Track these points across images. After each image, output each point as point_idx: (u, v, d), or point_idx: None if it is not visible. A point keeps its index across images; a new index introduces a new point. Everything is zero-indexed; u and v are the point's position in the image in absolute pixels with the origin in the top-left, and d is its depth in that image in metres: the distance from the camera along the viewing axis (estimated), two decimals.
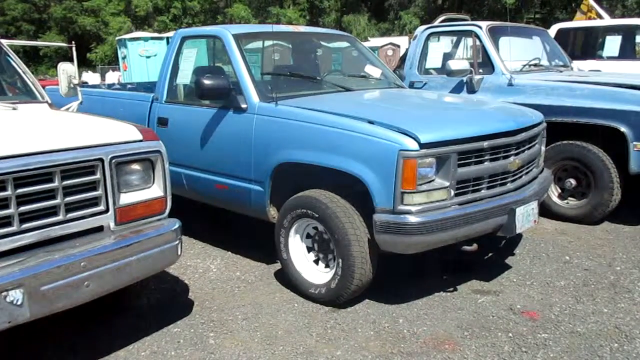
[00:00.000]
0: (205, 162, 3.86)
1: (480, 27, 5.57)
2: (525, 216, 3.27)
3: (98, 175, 2.51)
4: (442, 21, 6.84)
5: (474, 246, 3.18)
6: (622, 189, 4.54)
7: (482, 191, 3.14)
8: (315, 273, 3.33)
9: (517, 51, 5.59)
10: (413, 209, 2.85)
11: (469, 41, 5.92)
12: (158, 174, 2.77)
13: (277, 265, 3.86)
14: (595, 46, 8.56)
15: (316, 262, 3.38)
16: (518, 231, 3.23)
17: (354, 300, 3.26)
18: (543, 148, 3.88)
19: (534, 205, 3.38)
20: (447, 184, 2.93)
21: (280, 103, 3.44)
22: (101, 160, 2.51)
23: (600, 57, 8.22)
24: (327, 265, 3.32)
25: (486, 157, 3.10)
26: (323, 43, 5.18)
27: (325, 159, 3.10)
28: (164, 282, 3.64)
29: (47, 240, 2.40)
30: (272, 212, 3.56)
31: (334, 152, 3.06)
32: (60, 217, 2.41)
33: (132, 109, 4.39)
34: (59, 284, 2.29)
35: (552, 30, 8.11)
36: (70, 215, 2.45)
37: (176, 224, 2.81)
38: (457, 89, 5.44)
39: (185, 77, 4.15)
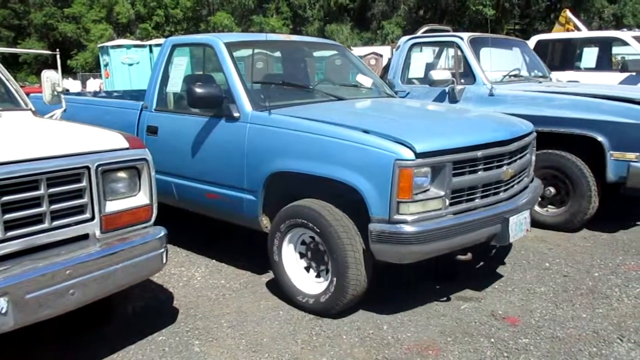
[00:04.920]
0: (196, 171, 3.82)
1: (461, 38, 5.68)
2: (518, 225, 3.30)
3: (84, 183, 2.51)
4: (425, 32, 6.97)
5: (468, 255, 3.21)
6: (600, 197, 4.65)
7: (476, 200, 3.16)
8: (310, 284, 3.31)
9: (497, 62, 5.72)
10: (409, 218, 2.85)
11: (451, 52, 6.04)
12: (144, 182, 2.77)
13: (262, 273, 3.87)
14: (573, 57, 8.76)
15: (308, 270, 3.36)
16: (511, 240, 3.24)
17: None
18: (533, 157, 3.93)
19: (526, 215, 3.41)
20: (442, 193, 2.93)
21: (273, 112, 3.43)
22: (87, 168, 2.50)
23: (578, 68, 8.42)
24: (320, 275, 3.29)
25: (480, 167, 3.12)
26: (314, 52, 5.18)
27: (320, 169, 3.09)
28: (148, 291, 3.62)
29: (32, 248, 2.38)
30: (265, 222, 3.53)
31: (329, 162, 3.05)
32: (45, 225, 2.40)
33: (121, 117, 4.34)
34: (44, 292, 2.28)
35: (532, 42, 8.29)
36: (56, 223, 2.44)
37: (162, 231, 2.81)
38: (439, 99, 5.53)
39: (175, 85, 4.12)
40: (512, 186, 3.44)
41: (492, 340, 2.95)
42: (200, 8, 37.42)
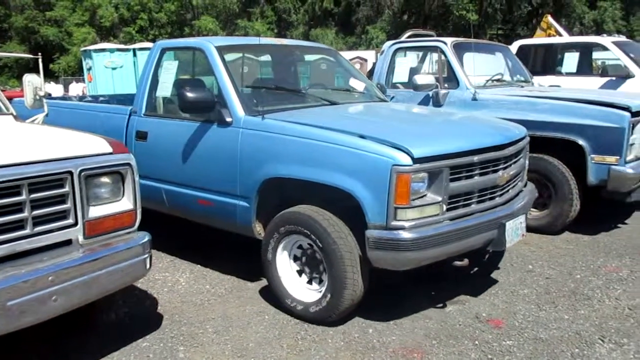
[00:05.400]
0: (187, 177, 3.75)
1: (445, 43, 5.74)
2: (514, 230, 3.28)
3: (67, 188, 2.48)
4: (409, 37, 7.01)
5: (465, 261, 3.18)
6: (581, 200, 4.72)
7: (472, 206, 3.13)
8: (306, 292, 3.25)
9: (480, 66, 5.79)
10: (406, 224, 2.81)
11: (435, 56, 6.10)
12: (128, 187, 2.75)
13: (247, 278, 3.86)
14: (554, 62, 8.88)
15: (303, 278, 3.30)
16: (508, 245, 3.22)
17: None
18: (527, 162, 3.90)
19: (522, 219, 3.41)
20: (440, 198, 2.90)
21: (266, 117, 3.37)
22: (70, 173, 2.48)
23: (560, 73, 8.53)
24: (316, 283, 3.24)
25: (476, 172, 3.10)
26: (306, 56, 5.11)
27: (315, 174, 3.04)
28: (132, 296, 3.59)
29: (14, 254, 2.35)
30: (258, 228, 3.47)
31: (324, 167, 3.00)
32: (27, 231, 2.37)
33: (108, 122, 4.26)
34: (26, 298, 2.25)
35: (514, 47, 8.38)
36: (38, 228, 2.41)
37: (146, 237, 2.80)
38: (423, 103, 5.57)
39: (165, 89, 4.03)
40: (507, 191, 3.42)
41: (476, 342, 2.97)
42: (185, 12, 37.31)
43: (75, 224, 2.55)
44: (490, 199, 3.25)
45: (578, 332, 3.07)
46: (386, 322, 3.20)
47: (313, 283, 3.26)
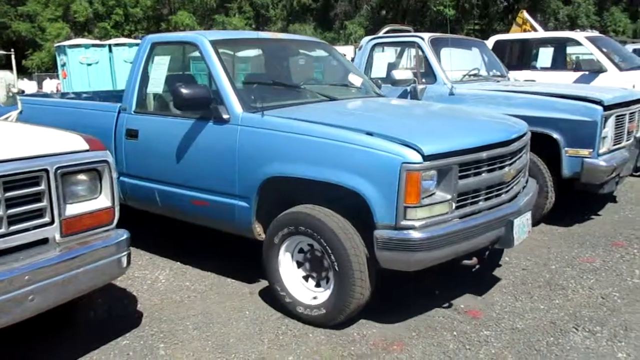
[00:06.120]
0: (181, 176, 3.62)
1: (422, 39, 5.79)
2: (521, 227, 3.21)
3: (42, 186, 2.45)
4: (387, 32, 7.07)
5: (474, 260, 3.13)
6: (556, 193, 4.81)
7: (480, 203, 3.06)
8: (309, 294, 3.17)
9: (457, 62, 5.85)
10: (416, 224, 2.73)
11: (412, 52, 6.15)
12: (105, 184, 2.73)
13: (227, 274, 3.86)
14: (529, 57, 9.00)
15: (307, 280, 3.22)
16: (515, 243, 3.15)
17: None
18: (528, 157, 3.80)
19: (528, 216, 3.34)
20: (449, 196, 2.82)
21: (266, 113, 3.26)
22: (46, 170, 2.45)
23: (534, 68, 8.66)
24: (320, 285, 3.15)
25: (484, 168, 3.03)
26: (301, 51, 4.96)
27: (320, 173, 2.94)
28: (111, 295, 3.56)
29: None
30: (258, 229, 3.36)
31: (329, 166, 2.90)
32: (2, 230, 2.33)
33: (95, 120, 4.12)
34: (2, 298, 2.21)
35: (490, 42, 8.49)
36: (13, 227, 2.37)
37: (124, 234, 2.77)
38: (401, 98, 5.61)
39: (157, 85, 3.91)
40: (512, 187, 3.35)
41: (455, 333, 3.02)
42: (161, 7, 36.84)
43: (52, 222, 2.51)
44: (497, 196, 3.18)
45: (553, 321, 3.14)
46: (366, 315, 3.23)
47: (317, 285, 3.18)
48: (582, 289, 3.58)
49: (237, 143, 3.29)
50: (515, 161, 3.32)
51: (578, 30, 9.97)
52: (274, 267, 3.21)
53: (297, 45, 4.91)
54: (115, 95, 5.90)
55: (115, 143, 3.96)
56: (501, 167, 3.17)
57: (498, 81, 5.99)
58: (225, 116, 3.36)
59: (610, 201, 5.70)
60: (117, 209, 2.80)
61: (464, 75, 5.80)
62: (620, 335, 2.97)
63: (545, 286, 3.64)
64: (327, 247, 2.93)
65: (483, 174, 3.03)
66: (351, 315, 3.03)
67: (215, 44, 3.68)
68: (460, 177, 2.87)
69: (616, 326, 3.07)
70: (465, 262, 3.11)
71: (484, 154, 2.98)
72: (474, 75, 5.94)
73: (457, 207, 2.90)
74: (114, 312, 3.38)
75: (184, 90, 3.24)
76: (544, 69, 8.60)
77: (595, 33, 9.30)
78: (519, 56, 8.94)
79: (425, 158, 2.69)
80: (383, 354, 2.81)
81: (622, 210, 5.41)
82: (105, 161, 2.71)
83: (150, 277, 3.90)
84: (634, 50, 12.05)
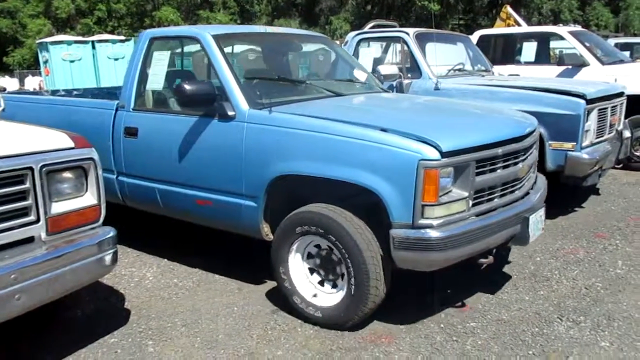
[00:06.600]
0: (184, 175, 3.50)
1: (407, 34, 5.82)
2: (536, 224, 3.15)
3: (28, 185, 2.43)
4: (372, 27, 7.07)
5: (490, 258, 3.07)
6: None
7: (496, 200, 3.00)
8: (322, 295, 3.08)
9: (442, 56, 5.89)
10: (434, 222, 2.66)
11: (398, 47, 6.16)
12: (91, 182, 2.71)
13: (215, 270, 3.86)
14: (513, 52, 9.07)
15: (321, 283, 3.11)
16: (531, 240, 3.10)
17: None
18: (537, 153, 3.69)
19: (542, 213, 3.26)
20: (466, 194, 2.75)
21: (274, 110, 3.17)
22: (31, 169, 2.43)
23: (518, 62, 8.72)
24: (331, 286, 3.07)
25: (499, 164, 2.97)
26: (302, 45, 4.84)
27: (332, 171, 2.85)
28: (98, 293, 3.55)
29: None
30: (266, 229, 3.26)
31: (342, 163, 2.81)
32: None
33: (91, 119, 3.99)
34: None
35: (475, 37, 8.53)
36: None
37: (111, 232, 2.76)
38: None
39: (157, 82, 3.78)
40: (524, 184, 3.29)
41: (442, 325, 3.05)
42: (145, 3, 36.47)
43: (38, 220, 2.50)
44: (511, 192, 3.13)
45: (538, 312, 3.19)
46: None
47: (329, 286, 3.09)
48: (566, 280, 3.64)
49: (243, 141, 3.19)
50: (527, 157, 3.27)
51: (561, 24, 10.08)
52: (284, 268, 3.12)
53: (300, 39, 4.78)
54: (108, 92, 5.84)
55: (112, 142, 3.84)
56: (515, 163, 3.11)
57: (483, 76, 6.04)
58: (230, 113, 3.26)
59: (593, 193, 5.78)
60: (103, 206, 2.79)
61: (449, 70, 5.85)
62: (603, 325, 3.02)
63: (530, 278, 3.69)
64: (341, 248, 2.85)
65: (498, 170, 2.98)
66: (366, 316, 2.96)
67: (218, 38, 3.58)
68: (477, 174, 2.81)
69: (599, 316, 3.13)
70: (482, 260, 3.05)
71: (499, 150, 2.93)
72: (459, 69, 5.99)
73: (474, 205, 2.84)
74: (102, 310, 3.36)
75: (187, 87, 3.15)
76: (527, 63, 8.66)
77: (578, 27, 9.40)
78: (503, 51, 8.99)
79: (443, 155, 2.63)
80: (371, 347, 2.84)
81: (604, 203, 5.50)
82: (91, 158, 2.70)
83: (138, 274, 3.89)
84: (616, 45, 12.22)
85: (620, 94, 5.42)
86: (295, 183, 3.08)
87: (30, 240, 2.49)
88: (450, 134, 2.87)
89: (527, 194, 3.31)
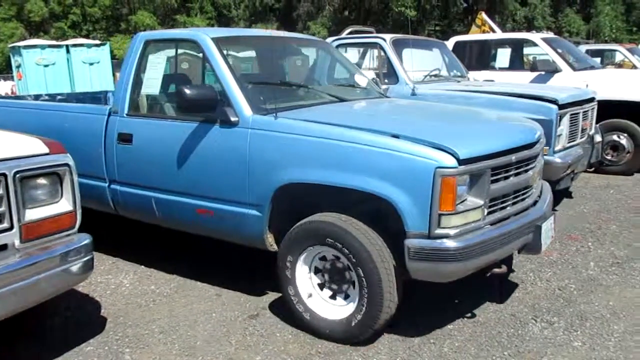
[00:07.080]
0: (183, 184, 3.35)
1: (384, 40, 5.88)
2: (547, 232, 3.08)
3: (1, 191, 2.40)
4: (349, 33, 7.14)
5: (504, 268, 3.05)
6: None
7: (508, 209, 2.94)
8: (331, 309, 2.95)
9: (419, 62, 5.96)
10: (451, 232, 2.57)
11: (375, 52, 6.23)
12: (66, 188, 2.68)
13: (193, 277, 3.83)
14: (488, 58, 9.22)
15: (333, 296, 2.99)
16: (543, 249, 3.03)
17: (272, 307, 3.33)
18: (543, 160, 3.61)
19: (552, 220, 3.20)
20: (481, 202, 2.68)
21: (279, 116, 3.06)
22: (4, 175, 2.39)
23: (493, 68, 8.87)
24: (341, 298, 2.95)
25: (512, 172, 2.91)
26: (302, 49, 4.78)
27: (343, 179, 2.74)
28: (73, 301, 3.49)
29: None
30: (270, 240, 3.15)
31: (354, 171, 2.71)
32: None
33: (80, 124, 3.86)
34: None
35: (450, 43, 8.65)
36: None
37: (87, 239, 2.73)
38: None
39: (152, 86, 3.69)
40: (533, 191, 3.24)
41: (420, 328, 3.08)
42: (120, 7, 36.09)
43: (11, 227, 2.46)
44: (522, 200, 3.08)
45: (513, 313, 3.25)
46: None
47: (338, 299, 2.97)
48: (540, 282, 3.71)
49: (247, 148, 3.07)
50: (536, 164, 3.23)
51: (534, 31, 10.26)
52: (291, 280, 3.00)
53: (300, 43, 4.73)
54: (92, 97, 5.72)
55: (105, 148, 3.70)
56: (526, 170, 3.07)
57: (458, 81, 6.14)
58: (233, 119, 3.14)
59: (566, 197, 5.90)
60: (78, 212, 2.75)
61: (426, 76, 5.93)
62: (576, 325, 3.09)
63: (505, 280, 3.75)
64: (353, 259, 2.75)
65: (511, 178, 2.93)
66: (379, 330, 2.86)
67: (218, 41, 3.46)
68: (492, 182, 2.75)
69: (572, 316, 3.20)
70: (495, 270, 3.01)
71: (513, 157, 2.87)
72: (435, 75, 6.08)
73: (489, 214, 2.77)
74: (77, 318, 3.31)
75: (188, 92, 3.03)
76: (502, 69, 8.81)
77: (551, 34, 9.59)
78: (478, 57, 9.13)
79: (460, 162, 2.55)
80: (350, 351, 2.85)
81: (577, 206, 5.61)
82: (66, 164, 2.67)
83: (114, 281, 3.84)
84: (587, 51, 12.50)
85: (592, 100, 5.56)
86: (302, 192, 2.98)
87: (3, 247, 2.45)
88: (466, 140, 2.79)
89: (536, 201, 3.27)
